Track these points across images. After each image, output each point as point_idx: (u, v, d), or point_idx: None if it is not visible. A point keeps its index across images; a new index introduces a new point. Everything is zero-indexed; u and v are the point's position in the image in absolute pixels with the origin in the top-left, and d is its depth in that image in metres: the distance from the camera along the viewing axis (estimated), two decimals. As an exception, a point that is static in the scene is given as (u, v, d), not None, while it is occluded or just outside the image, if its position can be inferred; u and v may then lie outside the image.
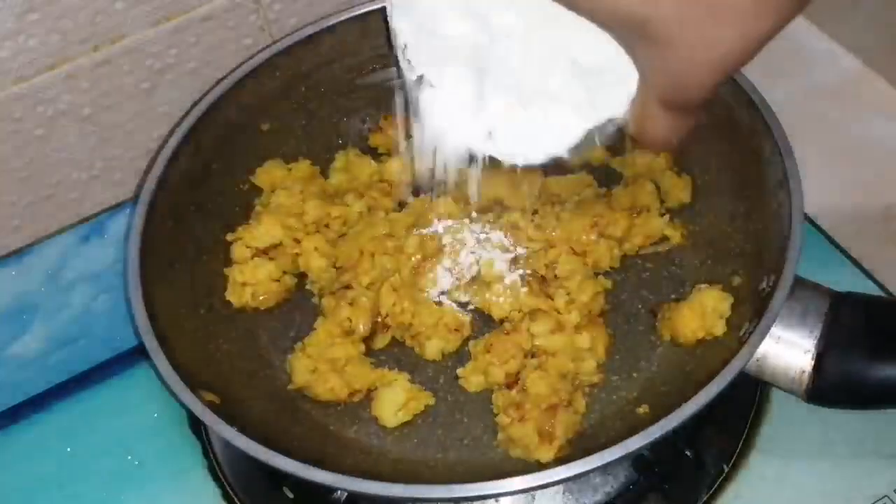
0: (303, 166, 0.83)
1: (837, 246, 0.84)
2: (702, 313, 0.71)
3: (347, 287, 0.77)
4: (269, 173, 0.83)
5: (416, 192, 0.83)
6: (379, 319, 0.76)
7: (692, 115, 0.54)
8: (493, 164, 0.61)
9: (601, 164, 0.84)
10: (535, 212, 0.80)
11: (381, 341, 0.76)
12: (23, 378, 0.84)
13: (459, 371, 0.73)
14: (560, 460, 0.65)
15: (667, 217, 0.79)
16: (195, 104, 0.81)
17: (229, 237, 0.79)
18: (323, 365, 0.73)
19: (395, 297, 0.75)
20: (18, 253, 0.84)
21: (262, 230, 0.79)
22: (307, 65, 0.85)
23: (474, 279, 0.78)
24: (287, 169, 0.83)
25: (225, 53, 0.84)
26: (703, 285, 0.73)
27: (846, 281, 0.79)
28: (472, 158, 0.62)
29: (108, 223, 0.87)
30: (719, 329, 0.70)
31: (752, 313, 0.67)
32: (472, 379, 0.73)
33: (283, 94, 0.85)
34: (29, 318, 0.85)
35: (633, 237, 0.78)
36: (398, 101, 0.68)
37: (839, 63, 0.97)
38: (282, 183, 0.82)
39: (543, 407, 0.68)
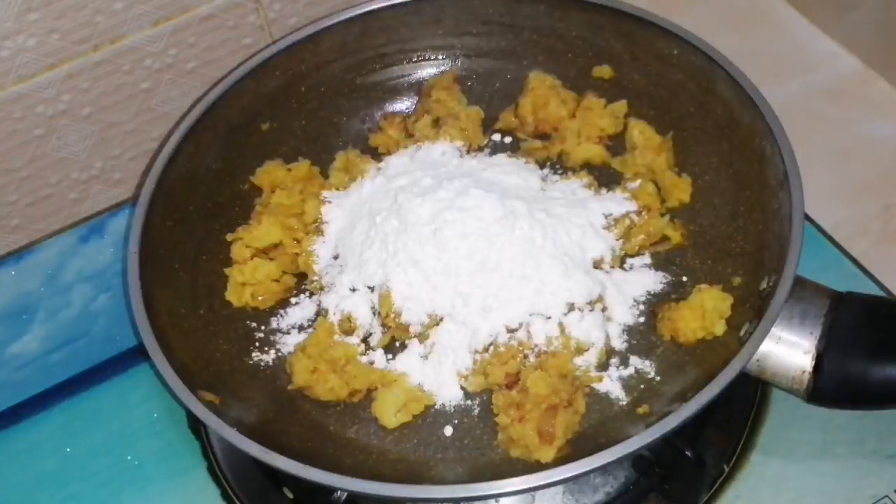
0: (303, 166, 0.83)
1: (837, 246, 0.84)
2: (702, 313, 0.71)
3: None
4: (269, 173, 0.83)
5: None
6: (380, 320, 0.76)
7: None
8: None
9: (601, 164, 0.84)
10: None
11: (381, 342, 0.76)
12: (23, 378, 0.84)
13: (460, 371, 0.73)
14: (560, 460, 0.65)
15: (667, 217, 0.79)
16: (195, 104, 0.81)
17: (229, 237, 0.79)
18: (323, 365, 0.73)
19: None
20: (18, 253, 0.84)
21: (262, 230, 0.79)
22: (307, 65, 0.85)
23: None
24: (287, 169, 0.83)
25: (225, 53, 0.84)
26: (703, 285, 0.73)
27: (846, 281, 0.79)
28: None
29: (108, 223, 0.87)
30: (719, 329, 0.70)
31: (752, 313, 0.67)
32: (472, 379, 0.73)
33: (283, 94, 0.85)
34: (29, 318, 0.85)
35: (634, 237, 0.78)
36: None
37: (839, 63, 0.97)
38: (282, 183, 0.82)
39: (543, 407, 0.68)
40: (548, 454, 0.66)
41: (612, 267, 0.77)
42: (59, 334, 0.85)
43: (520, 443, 0.67)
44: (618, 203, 0.80)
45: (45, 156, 0.80)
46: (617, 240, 0.78)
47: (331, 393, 0.72)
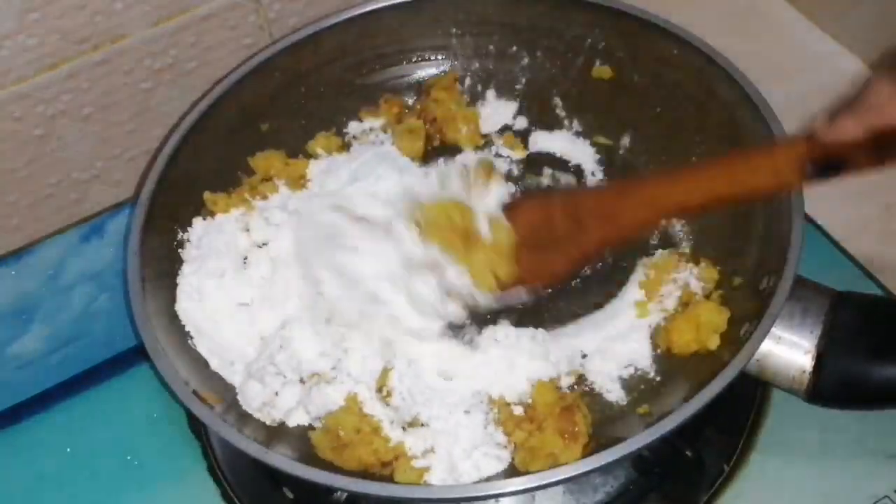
0: (302, 164, 0.83)
1: (837, 246, 0.84)
2: (696, 326, 0.70)
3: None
4: (267, 159, 0.82)
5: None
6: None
7: None
8: None
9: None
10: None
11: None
12: (23, 378, 0.84)
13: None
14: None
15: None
16: (195, 104, 0.81)
17: (206, 195, 0.79)
18: (351, 437, 0.67)
19: None
20: (18, 253, 0.84)
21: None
22: (307, 65, 0.85)
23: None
24: (286, 162, 0.83)
25: (225, 53, 0.84)
26: (699, 298, 0.73)
27: (846, 281, 0.78)
28: None
29: (108, 223, 0.87)
30: (713, 343, 0.69)
31: (752, 313, 0.67)
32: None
33: (283, 94, 0.85)
34: (29, 318, 0.85)
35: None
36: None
37: (839, 63, 0.97)
38: (277, 173, 0.82)
39: (557, 411, 0.67)
40: (575, 452, 0.65)
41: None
42: (59, 334, 0.85)
43: (543, 451, 0.66)
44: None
45: (45, 156, 0.80)
46: None
47: (358, 463, 0.67)
